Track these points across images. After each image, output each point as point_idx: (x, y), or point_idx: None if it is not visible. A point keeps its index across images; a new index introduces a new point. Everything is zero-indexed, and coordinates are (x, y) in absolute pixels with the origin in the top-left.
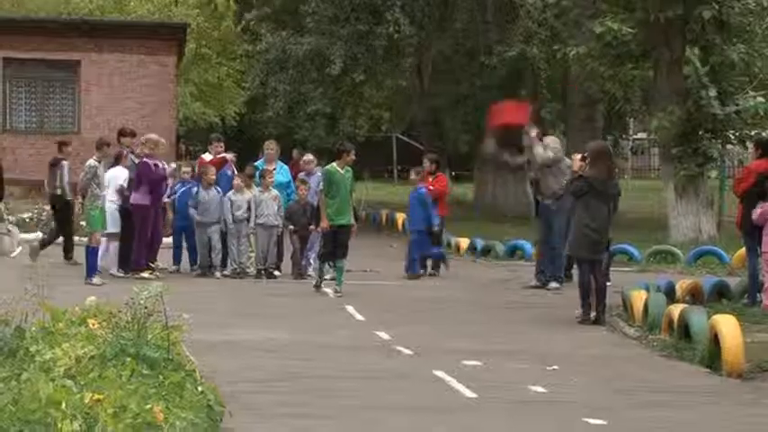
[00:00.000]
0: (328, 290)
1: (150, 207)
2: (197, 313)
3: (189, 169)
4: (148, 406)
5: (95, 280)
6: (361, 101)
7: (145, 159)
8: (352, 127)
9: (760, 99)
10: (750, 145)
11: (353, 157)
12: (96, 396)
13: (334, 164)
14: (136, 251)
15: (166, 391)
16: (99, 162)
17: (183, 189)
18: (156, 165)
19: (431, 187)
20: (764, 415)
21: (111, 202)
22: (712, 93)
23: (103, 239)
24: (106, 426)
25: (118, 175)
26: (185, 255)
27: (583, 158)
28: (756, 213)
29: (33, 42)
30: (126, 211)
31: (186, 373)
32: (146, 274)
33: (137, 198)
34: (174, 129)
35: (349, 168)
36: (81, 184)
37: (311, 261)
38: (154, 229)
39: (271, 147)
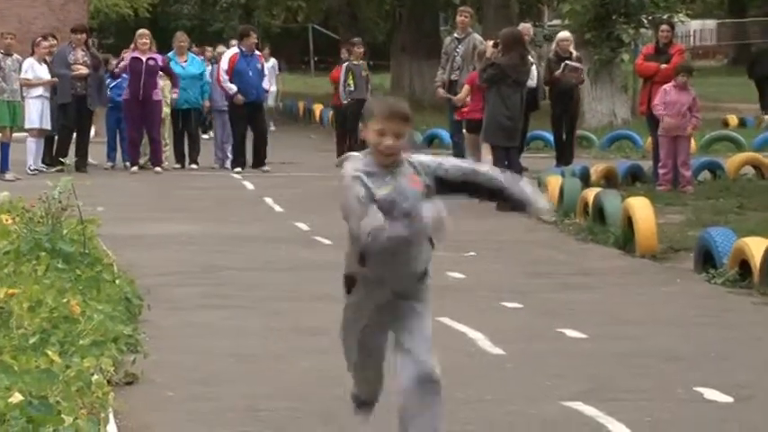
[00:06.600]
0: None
1: (131, 101)
2: (115, 207)
3: (121, 63)
4: (65, 300)
5: (8, 176)
6: None
7: (133, 54)
8: (268, 17)
9: None
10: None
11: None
12: (11, 290)
13: None
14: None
15: (83, 285)
16: (2, 55)
17: (114, 83)
18: (146, 59)
19: None
20: (676, 293)
21: (39, 96)
22: None
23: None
24: (22, 320)
25: (28, 68)
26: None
27: (495, 45)
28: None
29: None
30: (59, 106)
31: (103, 267)
32: (134, 169)
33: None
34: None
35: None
36: None
37: (228, 154)
38: (143, 124)
39: (181, 39)
